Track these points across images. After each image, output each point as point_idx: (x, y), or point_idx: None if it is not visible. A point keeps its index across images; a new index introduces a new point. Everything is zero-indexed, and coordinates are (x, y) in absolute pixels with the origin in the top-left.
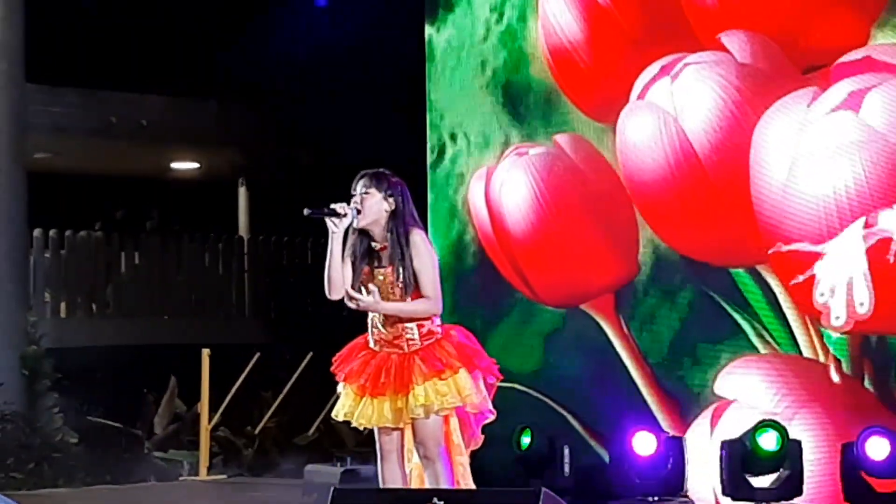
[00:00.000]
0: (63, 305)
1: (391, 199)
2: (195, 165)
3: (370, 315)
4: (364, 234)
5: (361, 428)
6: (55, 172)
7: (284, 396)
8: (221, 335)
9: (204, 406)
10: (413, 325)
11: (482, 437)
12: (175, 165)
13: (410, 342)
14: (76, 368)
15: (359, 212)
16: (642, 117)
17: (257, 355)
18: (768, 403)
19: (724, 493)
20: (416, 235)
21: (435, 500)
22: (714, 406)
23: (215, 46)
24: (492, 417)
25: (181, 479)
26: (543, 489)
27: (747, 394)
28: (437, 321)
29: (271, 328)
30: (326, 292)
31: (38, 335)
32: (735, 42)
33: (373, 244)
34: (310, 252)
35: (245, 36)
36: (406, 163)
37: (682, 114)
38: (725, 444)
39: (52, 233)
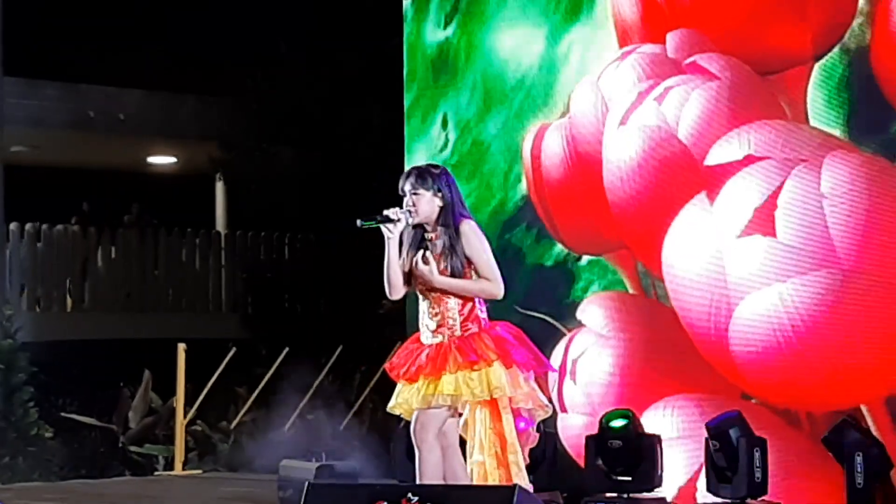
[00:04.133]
0: (39, 299)
1: (440, 195)
2: (173, 160)
3: (420, 309)
4: (418, 225)
5: (402, 415)
6: (32, 166)
7: (260, 392)
8: (198, 330)
9: (179, 401)
10: (455, 315)
11: (536, 435)
12: (152, 160)
13: (451, 330)
14: (52, 362)
15: (411, 213)
16: (584, 94)
17: (233, 350)
18: (601, 328)
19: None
20: (466, 226)
21: (410, 495)
22: (572, 333)
23: (194, 41)
24: (542, 415)
25: (156, 473)
26: (518, 485)
27: (590, 320)
28: (483, 313)
29: (248, 323)
30: (387, 293)
31: (14, 329)
32: (674, 39)
33: (426, 234)
34: (287, 248)
35: (224, 31)
36: (385, 154)
37: (611, 98)
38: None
39: (28, 226)
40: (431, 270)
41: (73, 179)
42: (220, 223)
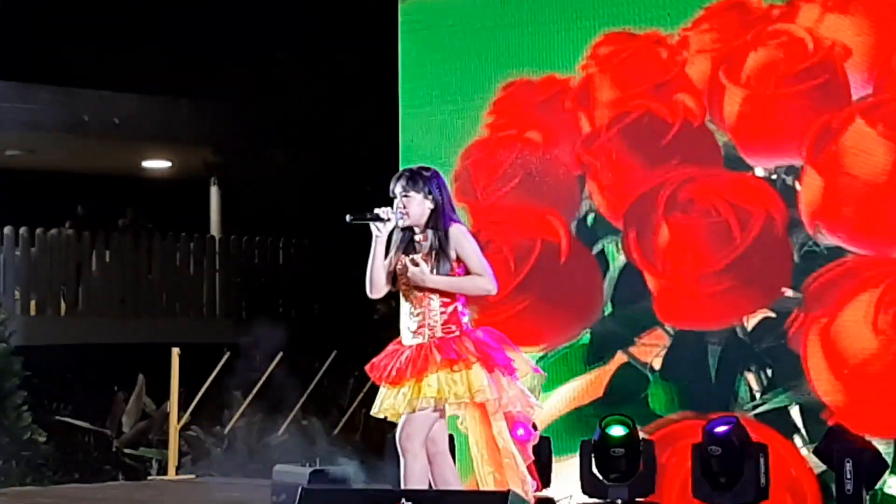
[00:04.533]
0: (33, 303)
1: (430, 198)
2: (167, 164)
3: (402, 310)
4: (407, 227)
5: (388, 418)
6: (27, 169)
7: (254, 396)
8: (192, 334)
9: (173, 405)
10: (437, 316)
11: (537, 434)
12: (147, 164)
13: (432, 331)
14: (45, 367)
15: (402, 216)
16: None
17: (227, 354)
18: None
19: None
20: (455, 229)
21: (403, 500)
22: None
23: (191, 42)
24: (535, 411)
25: (150, 477)
26: (511, 490)
27: None
28: (466, 317)
29: (242, 328)
30: (368, 291)
31: (8, 333)
32: None
33: (415, 237)
34: (281, 252)
35: (218, 34)
36: (379, 157)
37: None
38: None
39: (22, 230)
40: (423, 270)
41: (68, 183)
42: (215, 227)
